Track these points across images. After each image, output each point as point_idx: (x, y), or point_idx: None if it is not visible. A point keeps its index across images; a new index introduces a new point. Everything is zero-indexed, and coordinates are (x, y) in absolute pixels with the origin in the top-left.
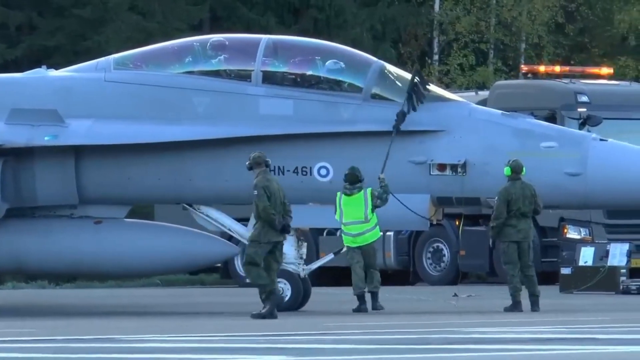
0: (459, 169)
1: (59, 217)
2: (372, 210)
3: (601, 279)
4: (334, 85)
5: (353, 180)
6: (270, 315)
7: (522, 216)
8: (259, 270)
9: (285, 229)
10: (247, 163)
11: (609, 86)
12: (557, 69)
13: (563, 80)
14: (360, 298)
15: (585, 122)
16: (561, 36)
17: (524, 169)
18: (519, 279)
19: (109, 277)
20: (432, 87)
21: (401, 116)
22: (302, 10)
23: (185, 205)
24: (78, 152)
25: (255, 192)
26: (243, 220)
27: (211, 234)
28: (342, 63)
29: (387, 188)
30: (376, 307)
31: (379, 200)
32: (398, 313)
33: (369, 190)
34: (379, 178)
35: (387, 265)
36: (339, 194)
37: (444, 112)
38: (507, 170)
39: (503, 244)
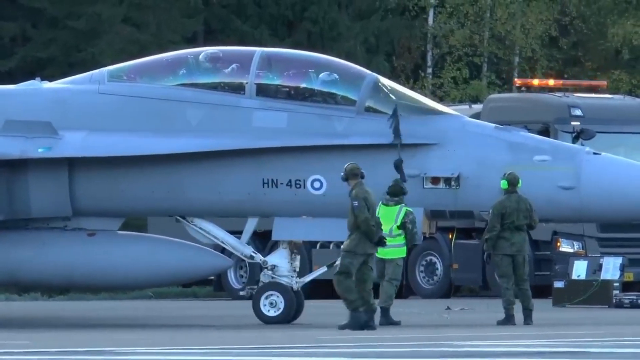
0: (453, 182)
1: (53, 229)
2: (400, 227)
3: (594, 293)
4: (328, 98)
5: (395, 192)
6: (352, 327)
7: (516, 229)
8: (350, 282)
9: (380, 242)
10: (342, 174)
11: (602, 100)
12: (551, 82)
13: (557, 94)
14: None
15: (578, 136)
16: (555, 50)
17: (520, 181)
18: (512, 292)
19: (102, 289)
20: (426, 100)
21: (400, 163)
22: (296, 23)
23: (179, 217)
24: (72, 164)
25: (356, 203)
26: (236, 233)
27: (204, 247)
28: (336, 76)
29: (416, 236)
30: (383, 322)
31: (412, 226)
32: (390, 326)
33: (404, 208)
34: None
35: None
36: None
37: (438, 125)
38: (503, 184)
39: (497, 257)
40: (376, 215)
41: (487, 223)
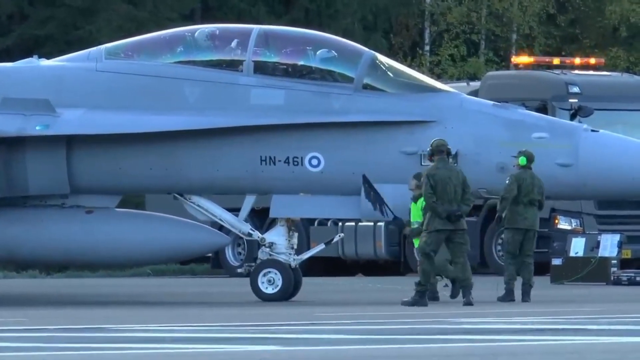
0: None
1: (50, 207)
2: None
3: (592, 270)
4: (326, 76)
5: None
6: (414, 304)
7: (529, 204)
8: (428, 264)
9: (450, 217)
10: (428, 149)
11: (600, 77)
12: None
13: (554, 71)
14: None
15: (576, 113)
16: (552, 27)
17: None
18: (515, 268)
19: (100, 266)
20: (423, 77)
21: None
22: (293, 0)
23: (176, 195)
24: (69, 142)
25: (423, 180)
26: (234, 210)
27: (202, 224)
28: (333, 53)
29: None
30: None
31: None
32: (389, 303)
33: None
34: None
35: (377, 255)
36: None
37: (435, 103)
38: (522, 160)
39: (508, 231)
40: (456, 190)
41: (506, 186)
